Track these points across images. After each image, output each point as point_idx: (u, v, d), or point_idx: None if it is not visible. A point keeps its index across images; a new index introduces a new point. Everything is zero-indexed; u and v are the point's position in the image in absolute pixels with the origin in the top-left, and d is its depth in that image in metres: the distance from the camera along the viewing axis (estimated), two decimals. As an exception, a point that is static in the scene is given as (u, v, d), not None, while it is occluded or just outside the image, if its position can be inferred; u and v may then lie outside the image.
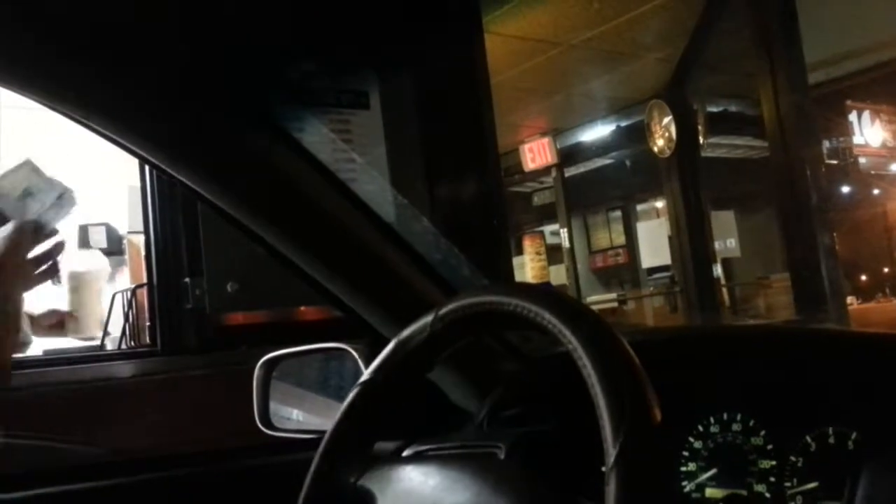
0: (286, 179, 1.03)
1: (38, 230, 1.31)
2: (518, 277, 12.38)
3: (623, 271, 14.28)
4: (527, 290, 0.76)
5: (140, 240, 2.18)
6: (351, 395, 0.86)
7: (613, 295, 13.38)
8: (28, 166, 1.34)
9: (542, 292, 0.75)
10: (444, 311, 0.83)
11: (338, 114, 2.29)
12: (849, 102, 14.22)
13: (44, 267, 1.33)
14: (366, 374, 0.86)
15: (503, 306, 0.77)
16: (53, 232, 1.35)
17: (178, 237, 1.95)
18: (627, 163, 11.87)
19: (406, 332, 0.85)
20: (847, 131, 14.64)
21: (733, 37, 7.09)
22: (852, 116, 14.54)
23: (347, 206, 1.08)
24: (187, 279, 1.94)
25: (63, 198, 1.35)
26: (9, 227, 1.28)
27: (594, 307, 12.25)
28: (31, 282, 1.32)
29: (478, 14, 3.37)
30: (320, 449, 0.85)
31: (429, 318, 0.84)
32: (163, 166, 0.99)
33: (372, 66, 2.57)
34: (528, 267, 13.89)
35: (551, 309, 0.71)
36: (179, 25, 0.93)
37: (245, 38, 1.09)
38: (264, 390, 1.24)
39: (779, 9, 6.23)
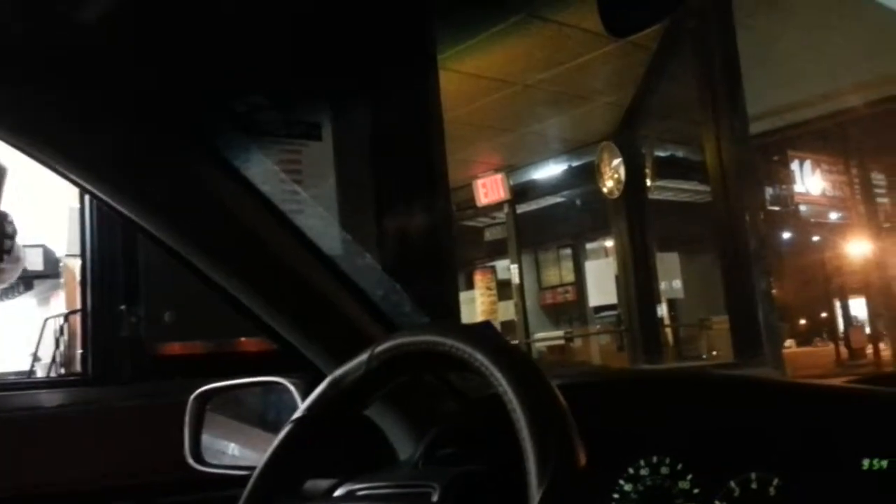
0: (226, 210, 1.02)
1: None
2: (468, 312, 12.42)
3: (572, 309, 14.41)
4: (462, 331, 0.77)
5: (78, 263, 2.13)
6: (282, 433, 0.85)
7: (561, 332, 13.49)
8: None
9: (476, 334, 0.75)
10: (379, 349, 0.83)
11: (288, 144, 2.29)
12: (791, 152, 14.70)
13: None
14: (298, 411, 0.85)
15: (438, 346, 0.77)
16: None
17: (115, 262, 1.91)
18: (578, 202, 12.06)
19: (341, 370, 0.85)
20: (789, 179, 15.12)
21: (681, 85, 7.30)
22: (794, 165, 15.03)
23: (288, 239, 1.07)
24: (123, 306, 1.90)
25: None
26: None
27: (542, 344, 12.35)
28: None
29: (433, 51, 3.42)
30: (248, 487, 0.83)
31: (364, 356, 0.84)
32: (100, 195, 0.98)
33: (325, 98, 2.57)
34: (478, 302, 13.93)
35: (483, 351, 0.71)
36: (121, 52, 0.92)
37: (193, 67, 1.08)
38: (196, 424, 1.21)
39: (722, 61, 6.45)
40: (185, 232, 1.02)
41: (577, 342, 13.01)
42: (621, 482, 0.96)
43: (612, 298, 10.66)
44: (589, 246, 14.02)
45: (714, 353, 9.59)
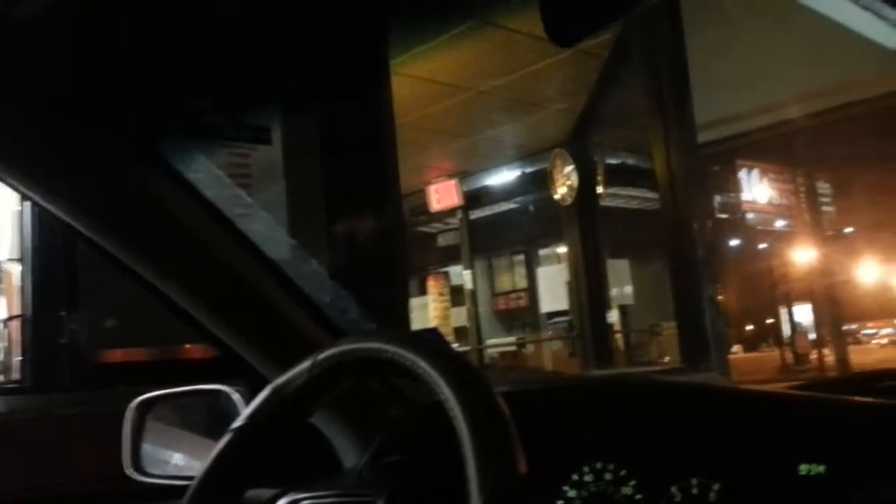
0: (167, 214, 1.00)
1: None
2: (421, 318, 12.40)
3: (525, 314, 14.50)
4: (405, 338, 0.76)
5: (18, 269, 2.07)
6: (221, 443, 0.83)
7: (513, 338, 13.56)
8: None
9: (419, 341, 0.75)
10: (322, 356, 0.82)
11: (236, 147, 2.25)
12: (739, 161, 15.03)
13: None
14: (238, 420, 0.83)
15: (381, 353, 0.77)
16: None
17: (56, 267, 1.86)
18: (531, 208, 12.15)
19: (283, 378, 0.83)
20: (737, 188, 15.45)
21: (632, 93, 7.42)
22: (742, 174, 15.37)
23: (232, 244, 1.05)
24: (64, 312, 1.85)
25: None
26: None
27: (494, 350, 12.39)
28: None
29: (385, 55, 3.41)
30: (186, 498, 0.81)
31: (307, 364, 0.82)
32: (38, 199, 0.95)
33: (275, 101, 2.55)
34: (431, 307, 13.92)
35: (426, 358, 0.71)
36: (57, 52, 0.89)
37: (135, 68, 1.06)
38: (136, 434, 1.18)
39: (671, 70, 6.57)
40: (125, 237, 0.99)
41: (530, 348, 13.09)
42: (566, 488, 0.96)
43: (564, 304, 10.75)
44: (542, 252, 14.13)
45: (667, 358, 9.74)
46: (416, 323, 10.01)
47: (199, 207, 1.01)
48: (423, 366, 0.71)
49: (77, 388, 1.91)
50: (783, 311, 20.48)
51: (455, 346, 10.37)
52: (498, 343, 13.11)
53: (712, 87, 7.39)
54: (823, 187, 17.33)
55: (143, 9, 0.95)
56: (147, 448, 1.24)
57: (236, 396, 1.16)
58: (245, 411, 0.84)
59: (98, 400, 1.82)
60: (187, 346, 1.96)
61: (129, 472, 1.18)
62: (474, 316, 11.71)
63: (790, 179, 16.57)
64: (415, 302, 11.53)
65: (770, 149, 14.35)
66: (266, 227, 1.11)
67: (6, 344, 2.20)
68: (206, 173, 1.04)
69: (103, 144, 0.95)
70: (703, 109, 6.99)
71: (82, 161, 0.94)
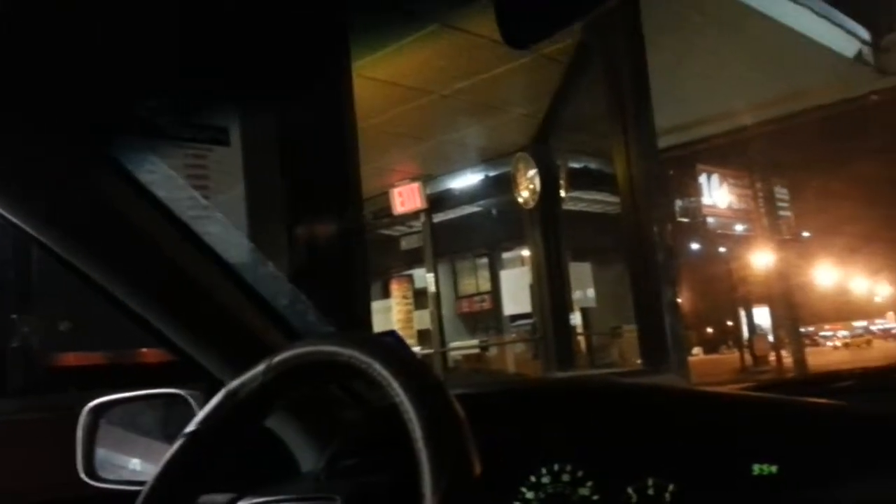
0: (121, 216, 0.98)
1: None
2: (385, 321, 12.37)
3: (488, 317, 14.54)
4: (361, 341, 0.76)
5: (-31, 271, 2.02)
6: (173, 448, 0.81)
7: (476, 341, 13.58)
8: None
9: (374, 344, 0.74)
10: (277, 359, 0.81)
11: (194, 149, 2.23)
12: (699, 165, 15.28)
13: None
14: (191, 424, 0.82)
15: (336, 357, 0.76)
16: None
17: (7, 269, 1.82)
18: (494, 212, 12.20)
19: (236, 382, 0.82)
20: (697, 192, 15.71)
21: (594, 99, 7.49)
22: (702, 178, 15.63)
23: (187, 247, 1.04)
24: (15, 315, 1.81)
25: None
26: None
27: (458, 353, 12.38)
28: None
29: (347, 57, 3.40)
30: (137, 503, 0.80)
31: (261, 367, 0.81)
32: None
33: (235, 103, 2.52)
34: (394, 310, 13.89)
35: (382, 361, 0.71)
36: (10, 49, 0.87)
37: (87, 66, 1.04)
38: (89, 438, 1.16)
39: (631, 76, 6.65)
40: (78, 240, 0.97)
41: (493, 351, 13.13)
42: (523, 490, 0.96)
43: (527, 307, 10.80)
44: (505, 255, 14.18)
45: (636, 360, 9.84)
46: (380, 326, 9.99)
47: (153, 210, 1.00)
48: (378, 368, 0.70)
49: (30, 393, 1.87)
50: (742, 314, 20.80)
51: (418, 349, 10.36)
52: (461, 346, 13.13)
53: (672, 92, 7.50)
54: (781, 192, 17.69)
55: (96, 6, 0.94)
56: (102, 453, 1.22)
57: (192, 401, 1.14)
58: (198, 415, 0.83)
59: (52, 405, 1.79)
60: (143, 349, 1.93)
61: (83, 476, 1.16)
62: (437, 319, 11.70)
63: (749, 184, 16.88)
64: (378, 305, 11.51)
65: (730, 154, 14.61)
66: (223, 229, 1.10)
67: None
68: (161, 175, 1.02)
69: (55, 145, 0.93)
70: (664, 115, 7.09)
71: (34, 163, 0.92)
